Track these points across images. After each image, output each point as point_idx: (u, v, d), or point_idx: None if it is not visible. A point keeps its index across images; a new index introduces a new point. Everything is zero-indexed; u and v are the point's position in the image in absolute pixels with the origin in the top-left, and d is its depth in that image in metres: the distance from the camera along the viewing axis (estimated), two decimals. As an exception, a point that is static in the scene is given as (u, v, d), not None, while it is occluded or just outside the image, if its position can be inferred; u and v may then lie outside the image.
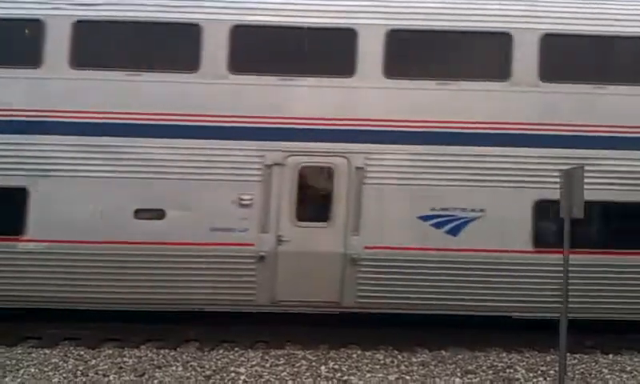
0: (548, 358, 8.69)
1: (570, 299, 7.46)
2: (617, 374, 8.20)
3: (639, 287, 9.35)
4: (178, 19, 9.41)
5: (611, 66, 9.85)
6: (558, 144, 9.36)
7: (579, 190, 7.21)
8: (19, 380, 7.39)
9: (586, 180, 7.21)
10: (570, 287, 7.44)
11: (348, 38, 9.41)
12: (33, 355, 8.27)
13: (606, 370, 8.30)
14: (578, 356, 8.77)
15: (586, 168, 7.39)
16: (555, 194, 7.89)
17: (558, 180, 7.82)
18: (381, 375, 7.89)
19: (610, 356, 8.93)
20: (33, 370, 7.71)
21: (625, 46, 9.74)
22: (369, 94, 9.42)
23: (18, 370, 7.70)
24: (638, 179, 9.40)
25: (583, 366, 8.46)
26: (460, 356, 8.75)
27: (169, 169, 9.20)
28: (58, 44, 9.28)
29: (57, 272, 9.11)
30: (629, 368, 8.42)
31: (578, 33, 9.54)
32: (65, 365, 7.96)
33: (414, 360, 8.53)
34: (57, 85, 9.24)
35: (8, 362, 7.94)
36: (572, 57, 9.69)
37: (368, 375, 7.88)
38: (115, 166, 9.15)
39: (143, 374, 7.70)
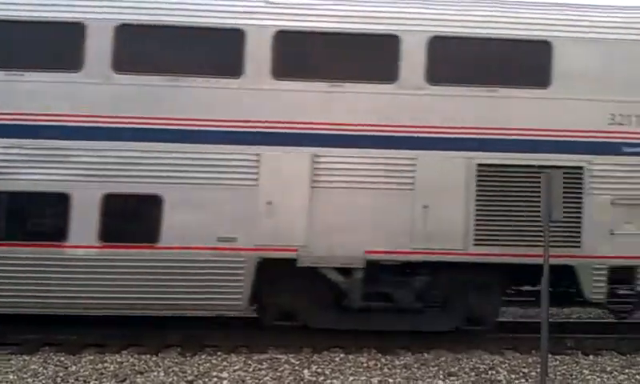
0: (530, 360, 8.75)
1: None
2: (597, 374, 8.28)
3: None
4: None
5: None
6: None
7: (558, 193, 7.32)
8: (-3, 387, 7.31)
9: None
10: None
11: None
12: (12, 362, 8.16)
13: (586, 371, 8.38)
14: (559, 357, 8.86)
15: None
16: None
17: None
18: (364, 378, 7.89)
19: (591, 357, 9.02)
20: (11, 377, 7.61)
21: None
22: None
23: (-4, 377, 7.61)
24: None
25: (564, 367, 8.53)
26: (442, 358, 8.78)
27: None
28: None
29: None
30: (609, 368, 8.51)
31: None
32: (45, 371, 7.87)
33: (396, 363, 8.55)
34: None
35: (-14, 369, 7.84)
36: None
37: (351, 378, 7.88)
38: None
39: (124, 380, 7.63)
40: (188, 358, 8.55)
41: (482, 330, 9.59)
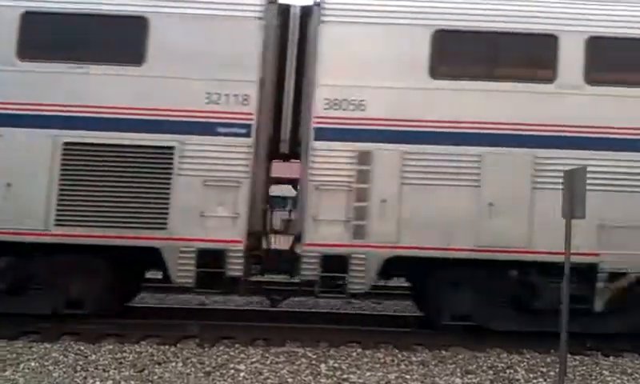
0: (548, 359, 8.67)
1: None
2: (617, 375, 8.17)
3: None
4: None
5: None
6: None
7: (581, 190, 7.22)
8: (19, 374, 7.37)
9: None
10: None
11: None
12: (33, 349, 8.26)
13: (606, 372, 8.28)
14: (578, 357, 8.75)
15: None
16: None
17: None
18: (380, 374, 7.87)
19: (611, 358, 8.89)
20: (33, 364, 7.70)
21: None
22: None
23: (18, 363, 7.69)
24: None
25: (584, 367, 8.44)
26: (460, 356, 8.73)
27: None
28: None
29: None
30: (629, 370, 8.39)
31: None
32: (65, 359, 7.95)
33: (413, 359, 8.51)
34: None
35: (8, 356, 7.93)
36: None
37: (368, 374, 7.86)
38: None
39: (143, 370, 7.69)
40: (206, 350, 8.60)
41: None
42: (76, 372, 7.54)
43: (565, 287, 7.39)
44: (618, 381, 8.00)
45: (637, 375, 8.22)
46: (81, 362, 7.86)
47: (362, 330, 9.54)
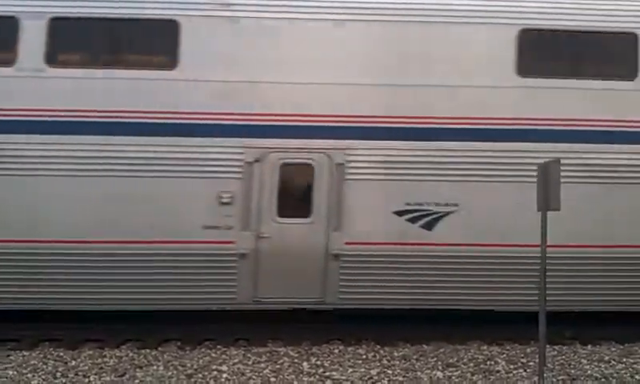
0: (528, 350, 8.77)
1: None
2: (595, 363, 8.30)
3: None
4: None
5: None
6: None
7: (555, 183, 7.29)
8: (-3, 383, 7.31)
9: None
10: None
11: None
12: (11, 357, 8.17)
13: (584, 361, 8.40)
14: (557, 347, 8.86)
15: None
16: None
17: None
18: (363, 370, 7.90)
19: (589, 346, 9.03)
20: (11, 373, 7.61)
21: None
22: None
23: (-5, 373, 7.62)
24: None
25: (563, 357, 8.55)
26: (441, 350, 8.80)
27: None
28: None
29: None
30: (607, 358, 8.53)
31: None
32: (44, 366, 7.87)
33: (395, 354, 8.57)
34: None
35: (-15, 365, 7.84)
36: None
37: (350, 370, 7.89)
38: None
39: (124, 374, 7.64)
40: (187, 352, 8.58)
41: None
42: (55, 378, 7.47)
43: (542, 276, 7.47)
44: (596, 368, 8.12)
45: (614, 362, 8.35)
46: (60, 369, 7.79)
47: (343, 326, 9.54)
